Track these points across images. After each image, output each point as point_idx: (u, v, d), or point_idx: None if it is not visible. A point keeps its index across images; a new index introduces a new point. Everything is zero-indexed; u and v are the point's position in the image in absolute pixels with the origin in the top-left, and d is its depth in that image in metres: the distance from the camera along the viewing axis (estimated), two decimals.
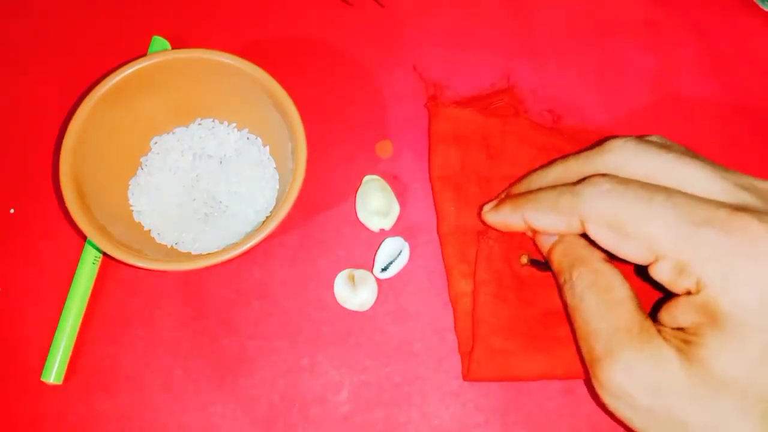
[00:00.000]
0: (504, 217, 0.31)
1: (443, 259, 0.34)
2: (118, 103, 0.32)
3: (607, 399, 0.27)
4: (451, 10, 0.40)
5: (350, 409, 0.32)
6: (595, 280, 0.28)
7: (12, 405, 0.32)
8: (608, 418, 0.32)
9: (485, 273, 0.32)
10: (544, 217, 0.29)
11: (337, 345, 0.33)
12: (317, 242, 0.35)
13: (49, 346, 0.32)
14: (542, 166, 0.32)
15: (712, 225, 0.24)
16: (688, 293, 0.25)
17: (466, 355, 0.32)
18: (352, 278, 0.33)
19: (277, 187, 0.34)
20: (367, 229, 0.35)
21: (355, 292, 0.33)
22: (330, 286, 0.34)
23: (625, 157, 0.28)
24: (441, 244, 0.34)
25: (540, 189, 0.30)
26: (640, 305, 0.27)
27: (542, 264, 0.33)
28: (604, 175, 0.28)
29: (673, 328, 0.26)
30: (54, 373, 0.32)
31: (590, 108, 0.37)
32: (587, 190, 0.27)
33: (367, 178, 0.36)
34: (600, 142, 0.30)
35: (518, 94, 0.37)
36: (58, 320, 0.33)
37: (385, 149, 0.37)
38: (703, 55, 0.39)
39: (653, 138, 0.29)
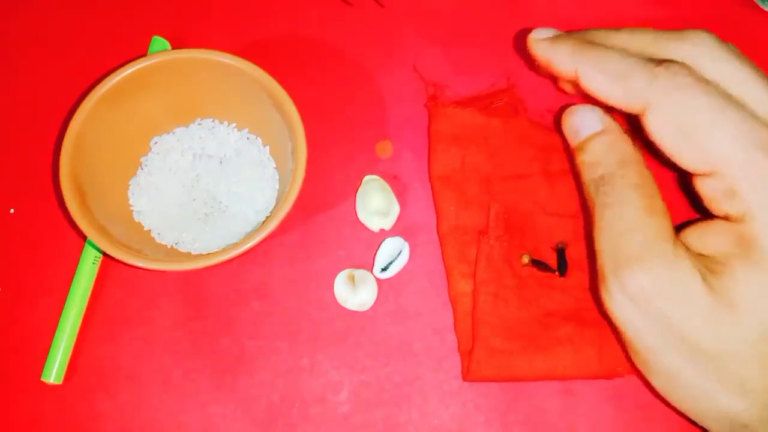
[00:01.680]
0: (555, 55, 0.28)
1: (443, 259, 0.34)
2: (118, 103, 0.32)
3: (621, 301, 0.26)
4: (451, 10, 0.40)
5: (350, 409, 0.32)
6: (641, 182, 0.26)
7: (12, 405, 0.32)
8: (608, 418, 0.32)
9: (485, 273, 0.32)
10: (604, 80, 0.26)
11: (337, 345, 0.33)
12: (317, 242, 0.35)
13: (49, 346, 0.32)
14: (606, 29, 0.29)
15: None
16: (726, 218, 0.24)
17: (466, 355, 0.32)
18: (352, 278, 0.33)
19: (277, 187, 0.34)
20: (367, 229, 0.35)
21: (355, 292, 0.33)
22: (330, 286, 0.34)
23: (704, 49, 0.26)
24: (441, 244, 0.34)
25: (606, 48, 0.27)
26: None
27: (543, 264, 0.33)
28: (684, 65, 0.25)
29: (697, 253, 0.25)
30: (54, 373, 0.32)
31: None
32: (666, 76, 0.25)
33: (367, 178, 0.36)
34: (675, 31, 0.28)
35: (518, 94, 0.37)
36: (58, 320, 0.33)
37: (385, 149, 0.37)
38: None
39: (731, 45, 0.28)
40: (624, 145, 0.27)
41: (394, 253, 0.34)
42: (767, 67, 0.39)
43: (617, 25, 0.39)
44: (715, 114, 0.24)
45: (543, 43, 0.29)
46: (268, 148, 0.35)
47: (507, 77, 0.38)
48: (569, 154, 0.36)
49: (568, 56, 0.28)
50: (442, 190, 0.34)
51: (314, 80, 0.38)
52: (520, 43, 0.39)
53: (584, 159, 0.28)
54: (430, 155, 0.35)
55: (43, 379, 0.32)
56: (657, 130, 0.26)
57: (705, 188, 0.25)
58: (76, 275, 0.34)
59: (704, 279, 0.25)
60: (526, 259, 0.33)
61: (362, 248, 0.35)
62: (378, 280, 0.34)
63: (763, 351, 0.24)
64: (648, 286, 0.25)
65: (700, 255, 0.25)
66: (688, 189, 0.26)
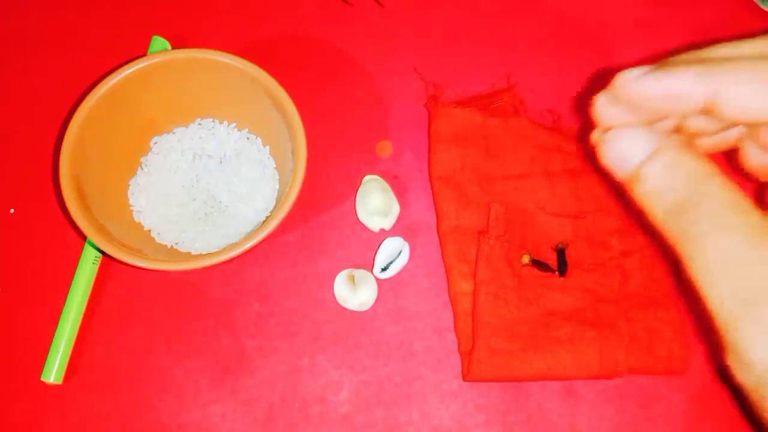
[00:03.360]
0: (675, 85, 0.21)
1: (443, 259, 0.34)
2: (118, 103, 0.32)
3: (751, 358, 0.19)
4: (451, 10, 0.40)
5: (350, 409, 0.32)
6: (733, 197, 0.21)
7: (12, 405, 0.32)
8: (608, 418, 0.32)
9: (485, 273, 0.32)
10: (758, 93, 0.20)
11: (337, 345, 0.33)
12: (317, 242, 0.35)
13: (49, 346, 0.32)
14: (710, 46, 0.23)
15: None
16: None
17: (466, 355, 0.32)
18: (352, 278, 0.33)
19: (277, 187, 0.34)
20: (367, 229, 0.35)
21: (355, 292, 0.33)
22: (330, 286, 0.34)
23: None
24: (441, 244, 0.34)
25: (740, 59, 0.21)
26: None
27: (543, 264, 0.33)
28: None
29: None
30: (54, 373, 0.32)
31: (590, 108, 0.37)
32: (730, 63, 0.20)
33: (367, 178, 0.36)
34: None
35: (518, 94, 0.37)
36: (58, 320, 0.33)
37: (385, 149, 0.37)
38: None
39: None
40: (693, 159, 0.22)
41: (394, 253, 0.34)
42: None
43: (616, 25, 0.40)
44: None
45: (646, 79, 0.22)
46: (268, 148, 0.35)
47: (507, 77, 0.38)
48: (571, 153, 0.35)
49: (695, 80, 0.21)
50: (442, 190, 0.34)
51: (314, 80, 0.38)
52: (520, 43, 0.39)
53: (644, 189, 0.22)
54: (430, 155, 0.35)
55: (43, 379, 0.32)
56: (740, 100, 0.20)
57: (751, 157, 0.20)
58: (76, 275, 0.34)
59: None
60: (526, 259, 0.33)
61: (362, 248, 0.35)
62: (378, 280, 0.34)
63: None
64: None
65: None
66: None
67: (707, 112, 0.21)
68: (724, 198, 0.21)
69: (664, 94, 0.22)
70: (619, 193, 0.35)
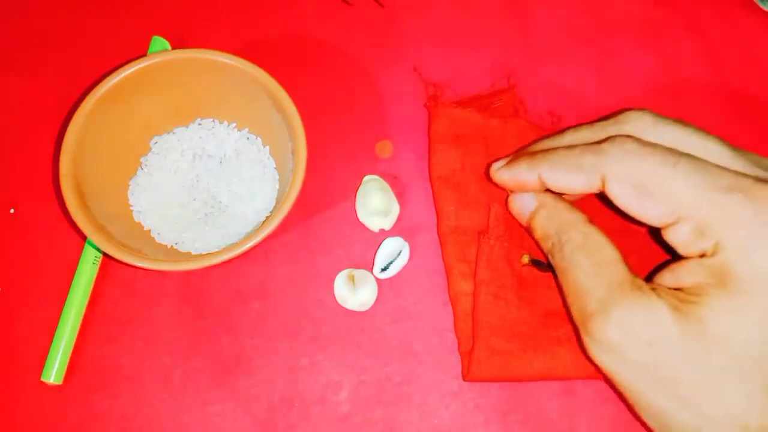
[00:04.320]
0: (517, 174, 0.30)
1: (443, 259, 0.34)
2: (118, 103, 0.32)
3: (598, 355, 0.27)
4: (451, 10, 0.40)
5: (350, 408, 0.32)
6: (584, 241, 0.28)
7: (12, 405, 0.32)
8: (608, 418, 0.32)
9: (485, 273, 0.32)
10: (562, 175, 0.29)
11: (337, 345, 0.33)
12: (317, 242, 0.35)
13: (49, 346, 0.32)
14: (550, 135, 0.32)
15: (737, 191, 0.25)
16: (701, 256, 0.25)
17: (466, 355, 0.32)
18: (352, 278, 0.33)
19: (277, 187, 0.34)
20: (367, 229, 0.35)
21: (355, 292, 0.33)
22: (330, 286, 0.34)
23: (642, 127, 0.28)
24: (441, 244, 0.34)
25: (555, 150, 0.30)
26: (628, 266, 0.28)
27: (543, 264, 0.33)
28: (628, 135, 0.27)
29: (671, 288, 0.26)
30: (54, 373, 0.32)
31: (590, 108, 0.37)
32: (613, 149, 0.27)
33: (367, 178, 0.36)
34: (613, 115, 0.30)
35: (518, 94, 0.37)
36: (58, 320, 0.33)
37: (385, 149, 0.37)
38: (702, 55, 0.39)
39: (666, 117, 0.29)
40: (561, 213, 0.30)
41: (394, 253, 0.34)
42: (766, 67, 0.39)
43: (616, 26, 0.40)
44: (667, 168, 0.26)
45: (503, 170, 0.31)
46: (268, 148, 0.35)
47: (507, 77, 0.38)
48: None
49: (528, 169, 0.30)
50: (442, 189, 0.34)
51: (314, 80, 0.38)
52: (520, 43, 0.39)
53: (535, 236, 0.31)
54: (430, 155, 0.35)
55: (43, 379, 0.32)
56: (618, 197, 0.27)
57: (674, 236, 0.26)
58: (76, 275, 0.34)
59: (675, 308, 0.25)
60: (526, 259, 0.33)
61: (362, 248, 0.35)
62: (378, 280, 0.34)
63: (749, 376, 0.24)
64: (615, 334, 0.26)
65: (674, 289, 0.26)
66: (662, 241, 0.27)
67: (540, 186, 0.30)
68: (576, 243, 0.28)
69: (513, 181, 0.31)
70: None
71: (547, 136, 0.32)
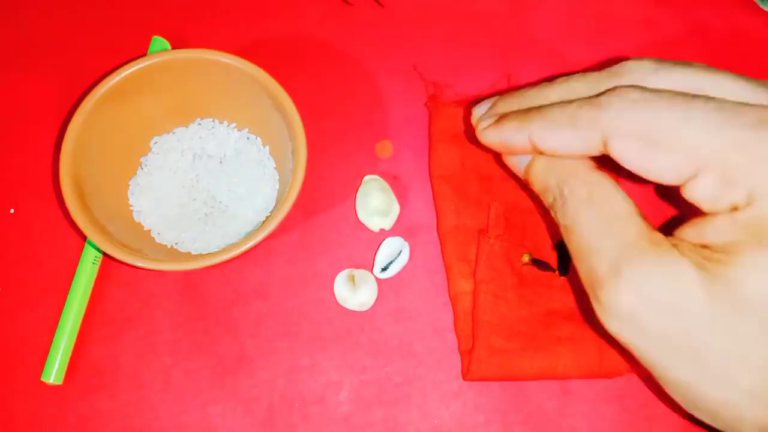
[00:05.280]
0: (507, 136, 0.27)
1: (443, 258, 0.34)
2: (118, 103, 0.32)
3: (613, 325, 0.23)
4: (451, 10, 0.40)
5: (350, 409, 0.32)
6: (590, 192, 0.25)
7: (12, 405, 0.32)
8: (608, 418, 0.32)
9: (485, 272, 0.32)
10: (558, 135, 0.25)
11: (337, 345, 0.33)
12: (317, 242, 0.35)
13: (49, 346, 0.32)
14: (539, 85, 0.28)
15: (765, 127, 0.21)
16: (732, 210, 0.22)
17: (466, 354, 0.32)
18: (352, 278, 0.33)
19: (277, 187, 0.34)
20: (367, 229, 0.35)
21: (355, 292, 0.33)
22: (330, 286, 0.34)
23: (644, 75, 0.25)
24: (441, 243, 0.34)
25: (546, 107, 0.26)
26: (646, 218, 0.24)
27: (543, 263, 0.33)
28: (630, 85, 0.24)
29: (695, 244, 0.23)
30: (54, 373, 0.32)
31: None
32: (613, 101, 0.23)
33: (367, 178, 0.36)
34: (608, 66, 0.26)
35: None
36: (58, 320, 0.33)
37: (385, 149, 0.37)
38: (702, 55, 0.39)
39: (666, 60, 0.26)
40: (561, 161, 0.26)
41: (394, 253, 0.34)
42: (767, 67, 0.39)
43: (616, 26, 0.40)
44: (679, 112, 0.22)
45: (490, 131, 0.28)
46: (268, 148, 0.35)
47: (507, 77, 0.38)
48: None
49: (518, 129, 0.26)
50: (442, 189, 0.34)
51: (314, 80, 0.38)
52: (520, 43, 0.39)
53: (534, 189, 0.27)
54: (431, 155, 0.35)
55: (43, 379, 0.32)
56: (624, 156, 0.23)
57: (698, 192, 0.22)
58: (76, 275, 0.34)
59: (702, 268, 0.22)
60: (526, 258, 0.33)
61: (362, 248, 0.35)
62: (378, 280, 0.34)
63: None
64: (632, 301, 0.22)
65: (698, 246, 0.23)
66: (677, 199, 0.24)
67: (531, 148, 0.26)
68: (581, 195, 0.25)
69: (501, 144, 0.27)
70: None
71: (531, 88, 0.28)
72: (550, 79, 0.28)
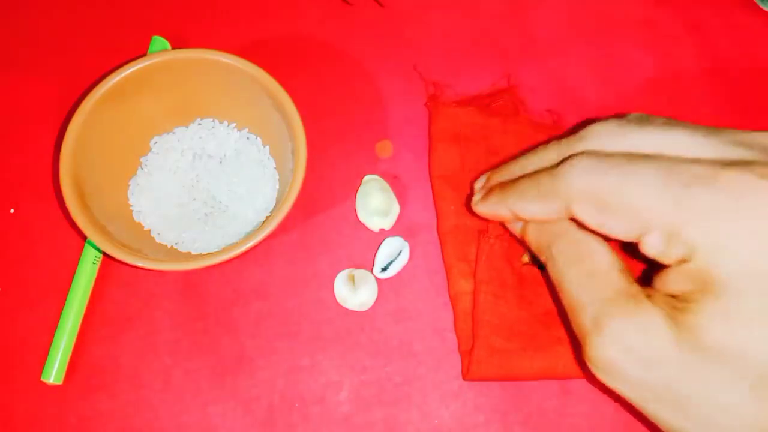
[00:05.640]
0: (493, 209, 0.30)
1: (443, 258, 0.34)
2: (118, 103, 0.32)
3: (599, 375, 0.25)
4: (451, 11, 0.40)
5: (350, 409, 0.32)
6: (575, 251, 0.27)
7: (12, 405, 0.32)
8: (608, 418, 0.32)
9: (485, 272, 0.32)
10: (529, 205, 0.28)
11: (337, 345, 0.33)
12: (317, 242, 0.35)
13: (49, 346, 0.32)
14: (521, 154, 0.31)
15: (699, 184, 0.23)
16: (681, 262, 0.23)
17: (466, 354, 0.32)
18: (352, 278, 0.33)
19: (277, 187, 0.34)
20: (367, 229, 0.35)
21: (355, 292, 0.33)
22: (330, 286, 0.34)
23: (606, 137, 0.26)
24: (441, 243, 0.34)
25: (522, 177, 0.29)
26: (626, 270, 0.26)
27: (543, 263, 0.33)
28: (582, 152, 0.26)
29: (666, 294, 0.24)
30: (54, 373, 0.32)
31: (590, 107, 0.37)
32: (565, 170, 0.26)
33: (367, 178, 0.36)
34: (579, 127, 0.28)
35: (518, 94, 0.37)
36: (58, 320, 0.33)
37: (385, 149, 0.37)
38: (702, 54, 0.39)
39: (632, 115, 0.28)
40: (549, 224, 0.28)
41: (394, 253, 0.34)
42: (767, 67, 0.39)
43: (616, 26, 0.40)
44: (623, 175, 0.24)
45: (480, 204, 0.30)
46: (268, 148, 0.35)
47: (507, 77, 0.38)
48: None
49: (499, 203, 0.29)
50: (442, 189, 0.34)
51: (314, 80, 0.38)
52: (520, 43, 0.39)
53: (531, 250, 0.30)
54: (431, 155, 0.35)
55: (43, 379, 0.32)
56: (584, 218, 0.25)
57: (648, 249, 0.24)
58: (76, 275, 0.34)
59: (671, 318, 0.23)
60: (526, 258, 0.33)
61: (362, 248, 0.35)
62: (378, 280, 0.34)
63: (757, 384, 0.22)
64: (612, 353, 0.24)
65: (668, 296, 0.24)
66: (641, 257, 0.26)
67: (517, 218, 0.29)
68: (567, 255, 0.27)
69: (490, 214, 0.30)
70: None
71: (516, 158, 0.31)
72: (534, 147, 0.30)
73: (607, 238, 0.26)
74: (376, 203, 0.34)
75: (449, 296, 0.33)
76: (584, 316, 0.25)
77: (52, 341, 0.32)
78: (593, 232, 0.26)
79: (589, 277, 0.26)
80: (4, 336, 0.33)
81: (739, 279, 0.22)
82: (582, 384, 0.32)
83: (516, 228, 0.30)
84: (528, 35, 0.39)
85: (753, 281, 0.22)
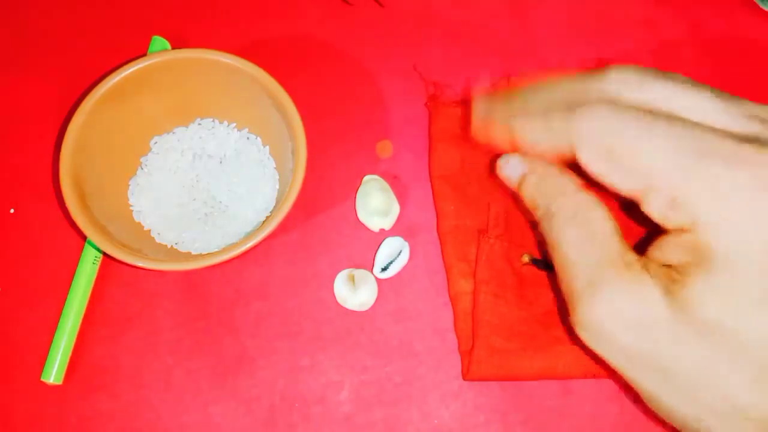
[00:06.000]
0: (494, 124, 0.28)
1: (443, 258, 0.34)
2: (118, 103, 0.32)
3: (586, 337, 0.25)
4: (451, 10, 0.40)
5: (350, 409, 0.32)
6: (575, 211, 0.26)
7: (12, 405, 0.32)
8: (608, 418, 0.32)
9: (485, 272, 0.32)
10: (533, 129, 0.27)
11: (337, 345, 0.33)
12: (317, 242, 0.35)
13: (49, 346, 0.32)
14: (531, 85, 0.29)
15: (715, 156, 0.22)
16: (681, 231, 0.23)
17: (466, 354, 0.32)
18: (352, 278, 0.33)
19: (277, 187, 0.34)
20: (367, 229, 0.35)
21: (355, 292, 0.33)
22: (330, 286, 0.34)
23: (625, 84, 0.26)
24: (441, 243, 0.34)
25: (532, 103, 0.28)
26: (623, 238, 0.25)
27: (543, 263, 0.33)
28: (603, 100, 0.25)
29: (662, 264, 0.24)
30: (54, 373, 0.32)
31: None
32: (584, 113, 0.25)
33: (367, 178, 0.36)
34: (597, 70, 0.27)
35: None
36: (58, 320, 0.33)
37: (385, 149, 0.37)
38: (702, 54, 0.39)
39: (653, 69, 0.27)
40: (551, 180, 0.27)
41: (394, 253, 0.34)
42: (767, 67, 0.39)
43: (616, 26, 0.40)
44: (640, 131, 0.23)
45: (479, 120, 0.29)
46: (268, 148, 0.35)
47: (507, 77, 0.38)
48: None
49: (501, 120, 0.28)
50: (442, 189, 0.34)
51: (314, 80, 0.38)
52: (520, 43, 0.39)
53: (525, 203, 0.29)
54: (431, 155, 0.35)
55: (43, 379, 0.32)
56: (588, 164, 0.25)
57: (650, 207, 0.24)
58: (76, 275, 0.34)
59: (667, 289, 0.23)
60: (526, 258, 0.33)
61: (362, 248, 0.35)
62: (378, 280, 0.34)
63: (745, 362, 0.22)
64: (603, 315, 0.24)
65: (665, 266, 0.24)
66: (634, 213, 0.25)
67: (509, 138, 0.28)
68: (567, 213, 0.26)
69: (487, 129, 0.29)
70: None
71: (526, 88, 0.29)
72: (544, 77, 0.29)
73: (603, 193, 0.26)
74: (376, 203, 0.34)
75: (449, 296, 0.33)
76: (578, 277, 0.25)
77: (52, 341, 0.32)
78: (592, 183, 0.26)
79: (587, 239, 0.25)
80: (4, 336, 0.33)
81: (743, 258, 0.22)
82: (582, 384, 0.32)
83: (512, 178, 0.29)
84: (528, 35, 0.39)
85: (756, 262, 0.22)
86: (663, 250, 0.24)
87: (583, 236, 0.26)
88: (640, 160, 0.24)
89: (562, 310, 0.31)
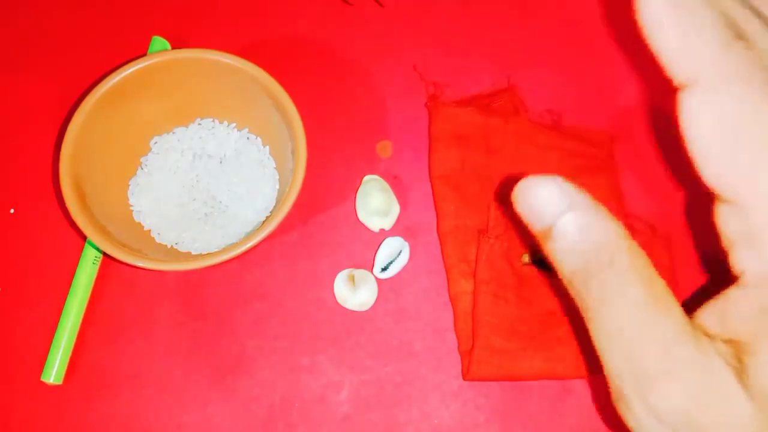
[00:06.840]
0: None
1: (443, 258, 0.34)
2: (118, 103, 0.32)
3: (652, 424, 0.20)
4: (451, 10, 0.40)
5: (350, 409, 0.32)
6: (637, 266, 0.20)
7: (12, 405, 0.32)
8: (608, 418, 0.32)
9: (485, 272, 0.32)
10: (672, 30, 0.21)
11: (337, 345, 0.33)
12: (317, 242, 0.35)
13: (49, 346, 0.32)
14: None
15: None
16: (742, 275, 0.19)
17: (466, 354, 0.32)
18: (352, 278, 0.33)
19: (277, 187, 0.34)
20: (367, 229, 0.35)
21: (355, 292, 0.33)
22: (330, 286, 0.34)
23: None
24: (441, 243, 0.34)
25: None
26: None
27: (543, 263, 0.33)
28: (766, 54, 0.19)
29: (724, 340, 0.19)
30: (54, 373, 0.32)
31: (590, 108, 0.37)
32: (734, 59, 0.19)
33: (367, 178, 0.36)
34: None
35: (518, 94, 0.37)
36: (58, 320, 0.33)
37: (385, 149, 0.37)
38: None
39: None
40: (604, 223, 0.21)
41: (394, 253, 0.34)
42: None
43: (618, 26, 0.40)
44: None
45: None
46: (268, 148, 0.35)
47: (507, 77, 0.38)
48: (571, 153, 0.35)
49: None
50: (442, 189, 0.34)
51: (314, 80, 0.38)
52: (520, 43, 0.39)
53: (555, 247, 0.22)
54: (431, 155, 0.35)
55: (43, 379, 0.32)
56: (692, 117, 0.20)
57: (722, 220, 0.19)
58: (76, 275, 0.34)
59: (740, 379, 0.19)
60: (526, 258, 0.33)
61: (362, 248, 0.35)
62: (378, 280, 0.34)
63: None
64: (681, 402, 0.19)
65: (729, 340, 0.20)
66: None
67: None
68: (625, 267, 0.20)
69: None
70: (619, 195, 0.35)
71: None
72: None
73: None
74: (376, 203, 0.34)
75: (449, 296, 0.33)
76: (648, 351, 0.20)
77: (52, 341, 0.32)
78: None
79: (653, 304, 0.20)
80: (4, 336, 0.33)
81: None
82: (582, 384, 0.32)
83: (540, 217, 0.22)
84: (528, 35, 0.39)
85: None
86: (724, 316, 0.20)
87: (648, 298, 0.20)
88: (743, 157, 0.19)
89: (573, 318, 0.30)
